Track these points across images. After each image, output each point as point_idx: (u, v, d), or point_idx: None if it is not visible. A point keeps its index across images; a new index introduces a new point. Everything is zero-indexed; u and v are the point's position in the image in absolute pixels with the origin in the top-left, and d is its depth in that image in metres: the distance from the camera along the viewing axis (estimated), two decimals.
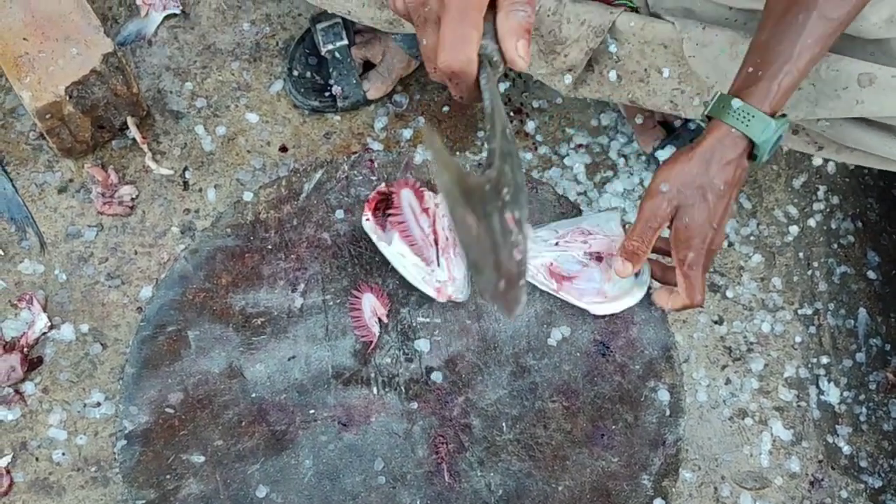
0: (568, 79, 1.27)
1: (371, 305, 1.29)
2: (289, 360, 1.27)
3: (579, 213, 1.40)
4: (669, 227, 1.12)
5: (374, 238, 1.26)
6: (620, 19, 1.21)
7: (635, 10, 1.26)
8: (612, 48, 1.23)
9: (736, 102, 1.05)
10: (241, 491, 1.20)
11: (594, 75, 1.28)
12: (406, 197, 1.27)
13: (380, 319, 1.29)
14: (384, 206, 1.29)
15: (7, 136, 1.44)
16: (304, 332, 1.28)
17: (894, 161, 1.18)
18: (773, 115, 1.05)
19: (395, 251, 1.25)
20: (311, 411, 1.24)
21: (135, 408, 1.23)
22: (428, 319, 1.30)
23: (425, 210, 1.27)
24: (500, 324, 1.31)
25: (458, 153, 1.44)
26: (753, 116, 1.05)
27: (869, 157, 1.21)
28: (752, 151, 1.08)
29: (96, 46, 1.32)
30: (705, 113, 1.10)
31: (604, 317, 1.29)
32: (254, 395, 1.25)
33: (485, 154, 1.45)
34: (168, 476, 1.20)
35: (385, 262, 1.30)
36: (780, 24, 1.04)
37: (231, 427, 1.23)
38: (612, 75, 1.26)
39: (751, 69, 1.06)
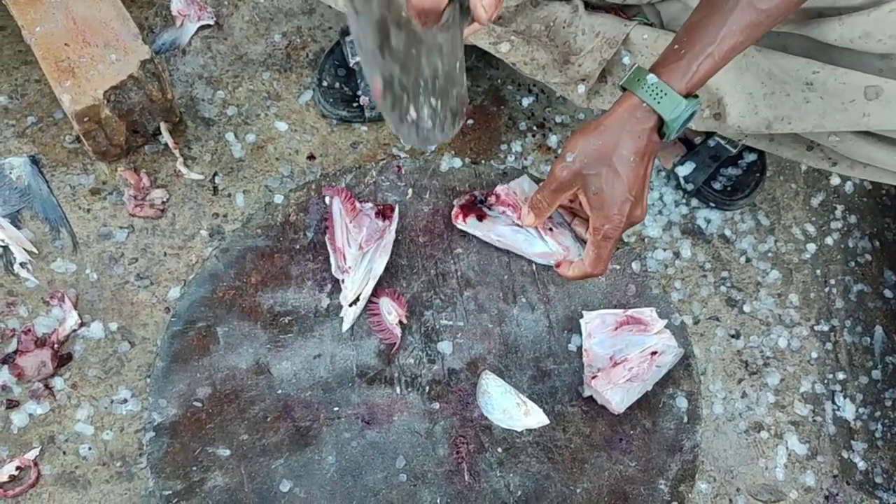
0: (581, 88, 1.30)
1: (388, 308, 1.31)
2: (314, 358, 1.29)
3: None
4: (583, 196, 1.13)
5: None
6: (634, 32, 1.25)
7: (649, 25, 1.29)
8: (626, 60, 1.26)
9: (651, 78, 1.05)
10: (265, 484, 1.21)
11: (607, 87, 1.32)
12: (336, 204, 1.33)
13: (400, 321, 1.31)
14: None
15: (44, 139, 1.48)
16: (330, 332, 1.31)
17: None
18: (686, 96, 1.05)
19: None
20: (336, 409, 1.26)
21: (164, 401, 1.25)
22: (451, 322, 1.32)
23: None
24: (521, 329, 1.33)
25: (482, 162, 1.47)
26: (665, 94, 1.05)
27: (882, 173, 1.23)
28: (661, 128, 1.08)
29: (134, 53, 1.36)
30: (619, 84, 1.10)
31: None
32: (280, 391, 1.27)
33: (507, 165, 1.49)
34: (194, 468, 1.22)
35: (410, 266, 1.34)
36: (711, 7, 1.04)
37: (257, 422, 1.25)
38: None
39: (675, 47, 1.06)
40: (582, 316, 1.31)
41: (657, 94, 1.05)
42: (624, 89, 1.09)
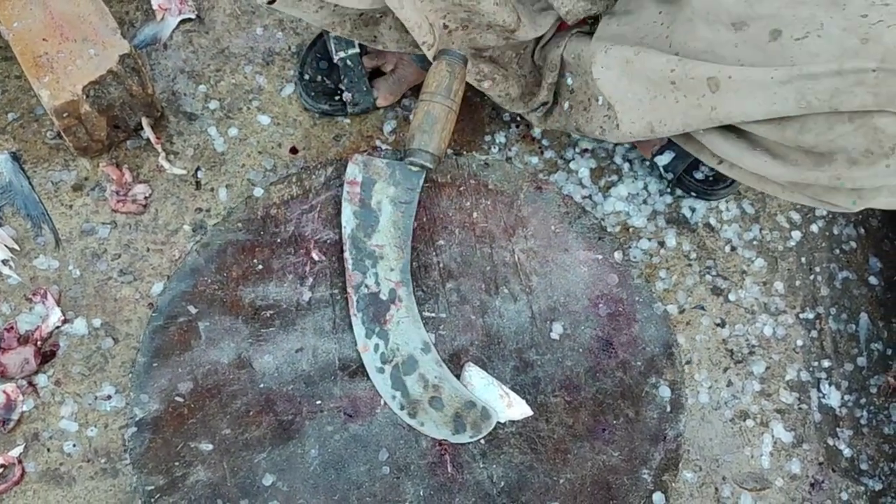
0: (540, 112, 1.36)
1: None
2: (296, 351, 1.29)
3: (583, 212, 1.43)
4: None
5: None
6: (566, 52, 1.27)
7: (595, 19, 1.30)
8: (569, 81, 1.29)
9: None
10: (247, 479, 1.22)
11: (557, 107, 1.35)
12: None
13: None
14: None
15: (25, 135, 1.47)
16: (312, 325, 1.31)
17: (766, 180, 1.15)
18: None
19: None
20: (318, 402, 1.26)
21: (145, 396, 1.25)
22: (434, 314, 1.32)
23: None
24: (503, 320, 1.33)
25: (465, 153, 1.47)
26: None
27: (746, 175, 1.18)
28: None
29: (113, 48, 1.36)
30: None
31: (606, 316, 1.31)
32: (262, 385, 1.27)
33: (490, 156, 1.49)
34: (177, 463, 1.22)
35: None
36: None
37: (239, 416, 1.25)
38: (566, 105, 1.31)
39: None
40: (564, 306, 1.31)
41: None
42: None
